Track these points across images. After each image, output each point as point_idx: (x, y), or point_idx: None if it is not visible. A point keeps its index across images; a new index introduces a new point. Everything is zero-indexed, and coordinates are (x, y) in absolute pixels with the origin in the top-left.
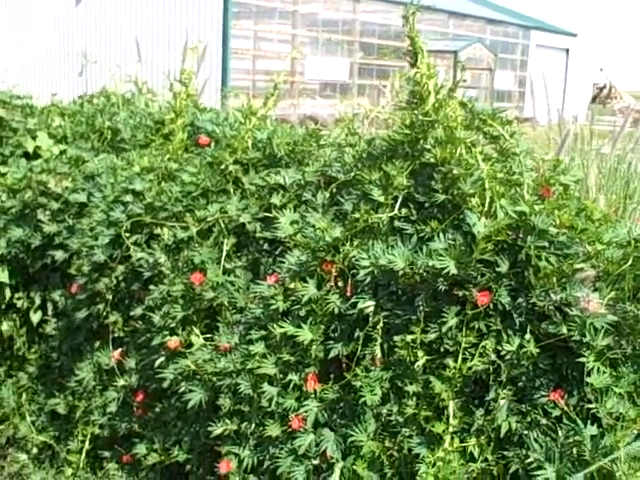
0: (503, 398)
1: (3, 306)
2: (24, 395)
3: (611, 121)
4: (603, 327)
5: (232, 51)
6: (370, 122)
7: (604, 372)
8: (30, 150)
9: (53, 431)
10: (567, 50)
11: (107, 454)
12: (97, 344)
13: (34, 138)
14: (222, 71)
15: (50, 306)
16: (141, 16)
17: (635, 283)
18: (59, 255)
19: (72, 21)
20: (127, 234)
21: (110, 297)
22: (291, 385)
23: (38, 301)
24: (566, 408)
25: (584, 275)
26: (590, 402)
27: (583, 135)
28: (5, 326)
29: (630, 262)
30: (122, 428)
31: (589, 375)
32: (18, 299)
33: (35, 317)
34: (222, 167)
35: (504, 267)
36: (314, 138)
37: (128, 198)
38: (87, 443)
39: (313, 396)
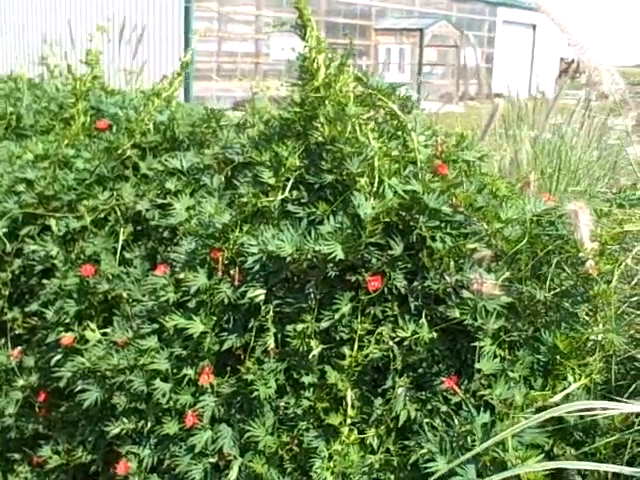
0: (401, 386)
1: None
2: None
3: (576, 95)
4: (495, 309)
5: (195, 32)
6: (275, 101)
7: (500, 356)
8: None
9: None
10: (534, 26)
11: (17, 456)
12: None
13: None
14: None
15: None
16: None
17: (536, 262)
18: None
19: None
20: (20, 226)
21: (7, 292)
22: (185, 380)
23: None
24: (462, 395)
25: (480, 255)
26: (483, 388)
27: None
28: None
29: (526, 239)
30: (28, 429)
31: (479, 360)
32: None
33: None
34: (119, 152)
35: (398, 249)
36: (214, 118)
37: (21, 188)
38: None
39: (210, 391)
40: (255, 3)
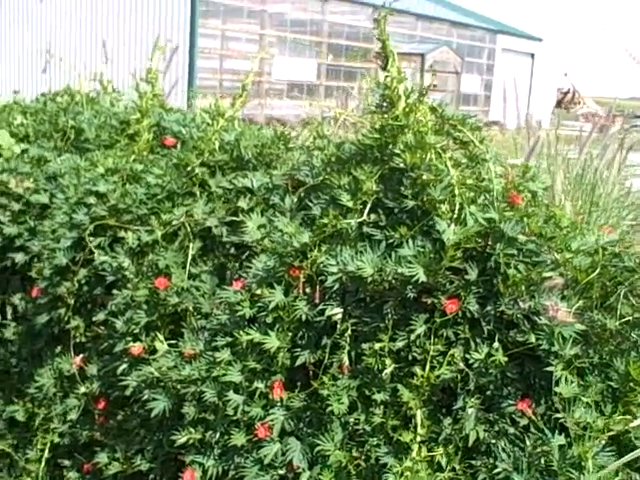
0: (471, 407)
1: None
2: None
3: (574, 126)
4: (571, 336)
5: (199, 50)
6: (339, 125)
7: (572, 381)
8: None
9: (11, 439)
10: (532, 55)
11: (67, 463)
12: (58, 350)
13: None
14: (189, 70)
15: (9, 310)
16: (108, 14)
17: (602, 292)
18: (19, 258)
19: (37, 17)
20: (91, 237)
21: (72, 301)
22: (257, 393)
23: None
24: (533, 417)
25: (552, 283)
26: (558, 411)
27: (549, 140)
28: None
29: (598, 270)
30: (83, 436)
31: (557, 384)
32: None
33: None
34: (188, 169)
35: (473, 275)
36: (282, 141)
37: (91, 200)
38: (47, 451)
39: (279, 404)
40: (259, 22)
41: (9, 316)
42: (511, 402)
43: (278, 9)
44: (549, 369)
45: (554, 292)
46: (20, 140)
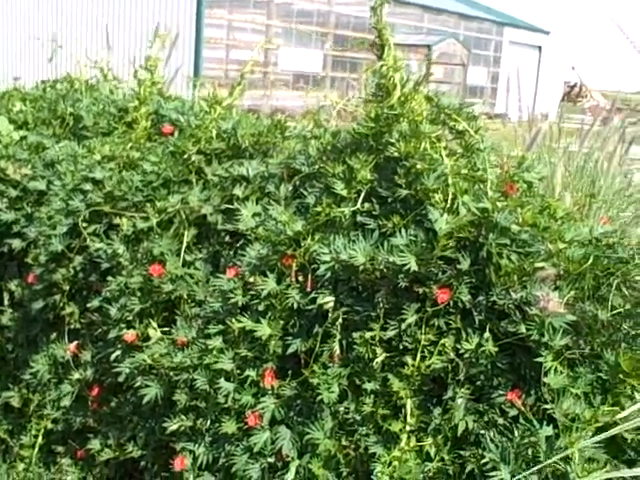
0: (461, 397)
1: None
2: None
3: (580, 119)
4: (561, 327)
5: (205, 40)
6: (338, 115)
7: (561, 372)
8: None
9: (6, 425)
10: (540, 47)
11: (61, 449)
12: (53, 336)
13: None
14: (194, 60)
15: (7, 296)
16: (113, 1)
17: (595, 283)
18: (16, 244)
19: (41, 5)
20: (85, 224)
21: (67, 288)
22: (248, 381)
23: None
24: (522, 408)
25: (545, 274)
26: (547, 402)
27: (552, 133)
28: None
29: (590, 261)
30: (76, 423)
31: (546, 375)
32: None
33: None
34: (185, 157)
35: (465, 264)
36: (279, 129)
37: (88, 187)
38: (40, 438)
39: (270, 393)
40: (266, 13)
41: (6, 302)
42: (501, 392)
43: (285, 0)
44: (539, 360)
45: (546, 283)
46: (19, 127)
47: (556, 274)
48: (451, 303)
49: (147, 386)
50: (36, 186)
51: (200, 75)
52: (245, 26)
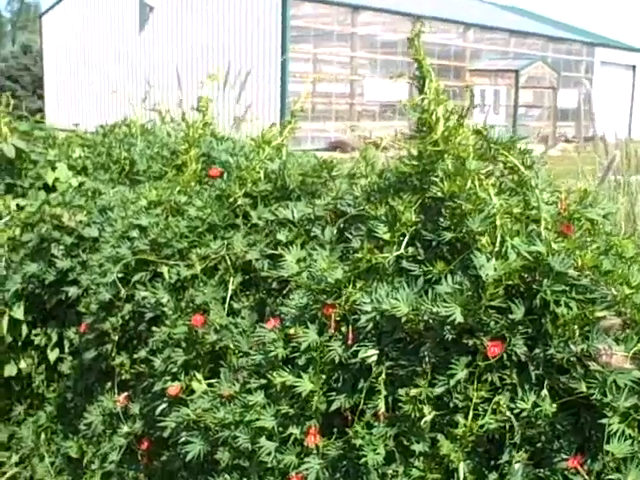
0: (518, 461)
1: (20, 343)
2: (43, 435)
3: None
4: (627, 385)
5: (291, 74)
6: (387, 150)
7: (630, 436)
8: (50, 182)
9: (66, 475)
10: (634, 67)
11: None
12: (107, 386)
13: (54, 169)
14: (281, 95)
15: (67, 344)
16: (197, 43)
17: None
18: (73, 291)
19: (135, 50)
20: (132, 272)
21: (116, 337)
22: (291, 439)
23: (55, 338)
24: (586, 477)
25: (608, 324)
26: (612, 470)
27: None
28: (23, 364)
29: None
30: (129, 477)
31: (609, 441)
32: (36, 335)
33: (52, 355)
34: (230, 200)
35: (519, 314)
36: (326, 168)
37: (134, 234)
38: None
39: (315, 452)
40: (350, 45)
41: (66, 350)
42: (564, 457)
43: (368, 31)
44: (603, 421)
45: (610, 333)
46: (78, 173)
47: (621, 323)
48: (505, 356)
49: (190, 442)
50: (90, 233)
51: (287, 109)
52: (330, 59)
